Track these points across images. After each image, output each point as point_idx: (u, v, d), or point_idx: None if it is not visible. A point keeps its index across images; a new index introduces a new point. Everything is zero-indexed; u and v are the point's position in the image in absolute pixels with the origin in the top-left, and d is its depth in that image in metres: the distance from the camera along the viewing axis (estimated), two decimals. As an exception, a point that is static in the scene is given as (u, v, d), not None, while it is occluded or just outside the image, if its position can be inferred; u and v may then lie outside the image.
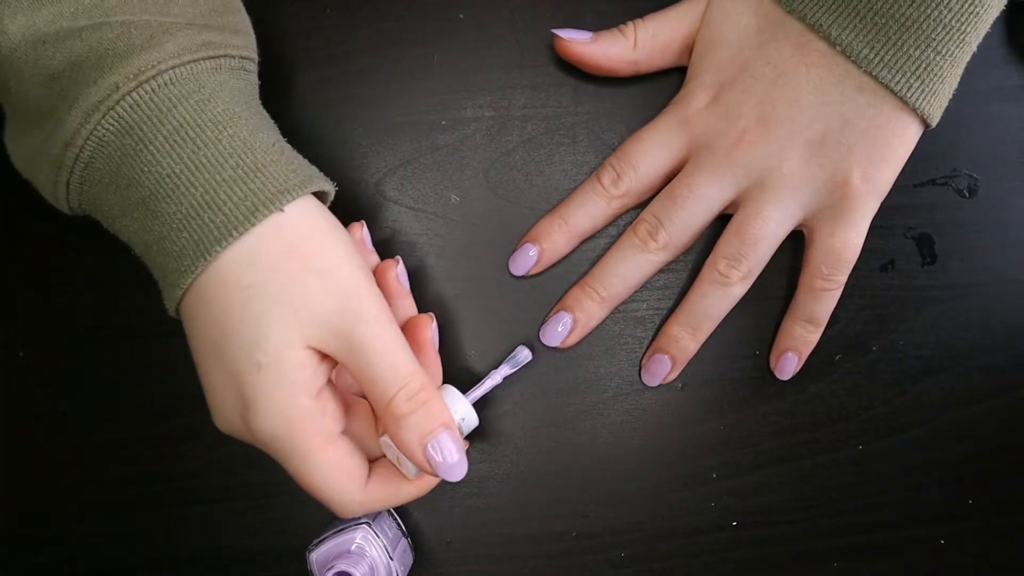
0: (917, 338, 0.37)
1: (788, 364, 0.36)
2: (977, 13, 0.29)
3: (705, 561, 0.38)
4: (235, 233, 0.25)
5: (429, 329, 0.31)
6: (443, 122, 0.36)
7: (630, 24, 0.34)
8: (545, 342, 0.36)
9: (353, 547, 0.33)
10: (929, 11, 0.29)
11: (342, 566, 0.32)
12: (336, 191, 0.29)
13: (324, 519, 0.37)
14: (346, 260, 0.27)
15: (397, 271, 0.32)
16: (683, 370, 0.37)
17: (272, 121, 0.29)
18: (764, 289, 0.36)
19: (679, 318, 0.35)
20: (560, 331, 0.35)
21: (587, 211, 0.35)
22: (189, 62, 0.27)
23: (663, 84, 0.36)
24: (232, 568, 0.37)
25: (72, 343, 0.36)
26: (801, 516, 0.38)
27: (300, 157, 0.28)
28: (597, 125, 0.36)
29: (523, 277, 0.36)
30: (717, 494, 0.38)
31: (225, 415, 0.27)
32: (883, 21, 0.29)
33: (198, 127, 0.26)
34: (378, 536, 0.34)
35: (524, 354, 0.34)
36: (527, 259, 0.35)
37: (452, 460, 0.27)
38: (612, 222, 0.36)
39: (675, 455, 0.37)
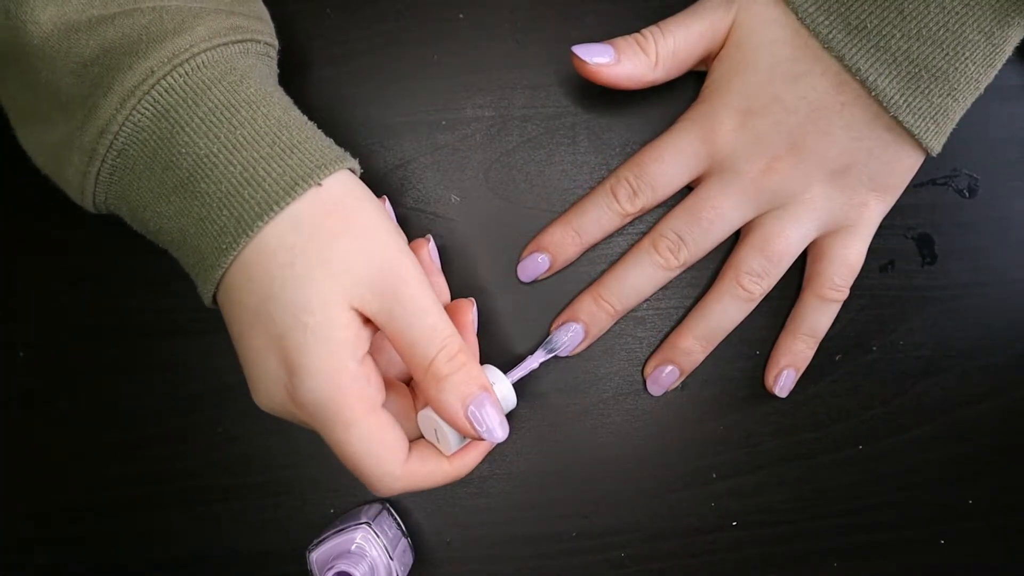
0: (917, 338, 0.37)
1: (788, 381, 0.36)
2: (995, 64, 0.31)
3: (705, 561, 0.38)
4: (276, 208, 0.26)
5: (470, 312, 0.31)
6: (443, 122, 0.36)
7: (649, 36, 0.33)
8: (558, 354, 0.36)
9: (353, 547, 0.33)
10: (959, 64, 0.30)
11: (342, 566, 0.32)
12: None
13: (324, 519, 0.37)
14: (383, 223, 0.27)
15: (429, 248, 0.32)
16: (683, 370, 0.37)
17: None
18: (773, 289, 0.36)
19: (694, 330, 0.35)
20: (569, 342, 0.35)
21: (600, 225, 0.35)
22: (220, 45, 0.27)
23: (664, 84, 0.36)
24: (232, 568, 0.37)
25: (72, 342, 0.36)
26: (801, 516, 0.38)
27: (327, 137, 0.29)
28: (597, 125, 0.36)
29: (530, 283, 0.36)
30: (717, 494, 0.38)
31: (267, 387, 0.27)
32: (916, 70, 0.30)
33: (233, 107, 0.26)
34: (378, 536, 0.34)
35: (561, 339, 0.35)
36: (537, 267, 0.35)
37: (494, 421, 0.27)
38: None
39: (675, 455, 0.37)
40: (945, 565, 0.38)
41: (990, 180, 0.37)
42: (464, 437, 0.29)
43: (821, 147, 0.32)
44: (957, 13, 0.29)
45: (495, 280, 0.36)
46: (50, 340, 0.36)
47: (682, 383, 0.37)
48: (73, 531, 0.37)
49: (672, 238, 0.34)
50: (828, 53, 0.31)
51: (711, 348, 0.36)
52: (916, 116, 0.31)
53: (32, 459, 0.37)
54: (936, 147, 0.32)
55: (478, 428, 0.27)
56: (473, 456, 0.30)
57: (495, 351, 0.37)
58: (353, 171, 0.29)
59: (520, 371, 0.32)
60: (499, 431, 0.27)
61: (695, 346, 0.35)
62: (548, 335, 0.35)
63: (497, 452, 0.37)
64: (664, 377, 0.36)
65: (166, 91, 0.26)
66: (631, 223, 0.36)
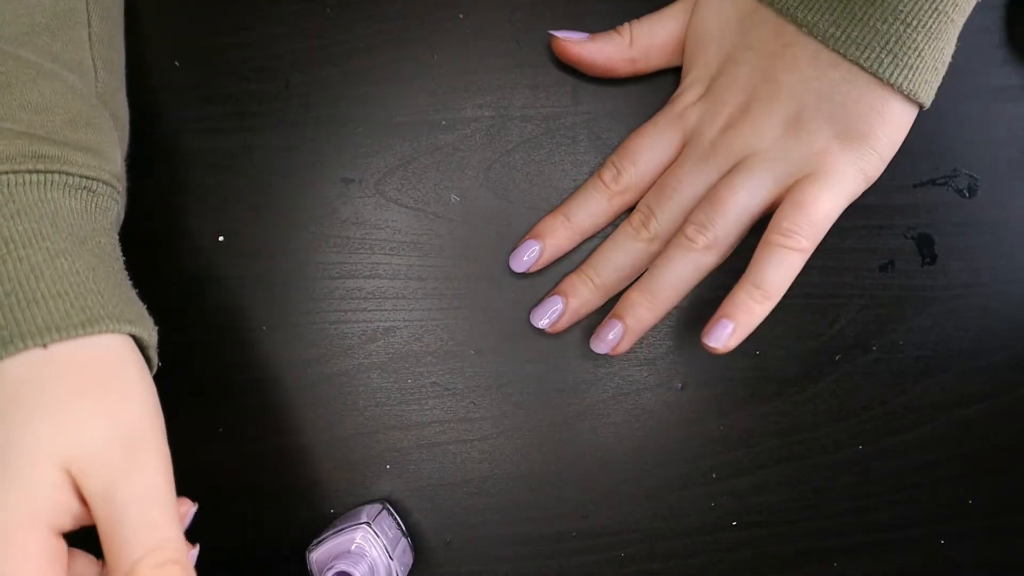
0: (917, 338, 0.37)
1: (721, 331, 0.32)
2: None
3: (705, 561, 0.38)
4: None
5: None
6: (443, 122, 0.36)
7: (625, 24, 0.35)
8: (535, 323, 0.36)
9: (353, 547, 0.33)
10: None
11: (342, 566, 0.32)
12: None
13: (324, 519, 0.37)
14: (146, 399, 0.25)
15: (189, 510, 0.28)
16: (683, 370, 0.37)
17: (109, 250, 0.27)
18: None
19: (639, 284, 0.34)
20: (551, 314, 0.35)
21: (588, 209, 0.35)
22: (7, 172, 0.25)
23: (662, 84, 0.36)
24: (232, 568, 0.37)
25: (72, 343, 0.36)
26: (801, 516, 0.38)
27: (118, 293, 0.26)
28: (597, 125, 0.36)
29: (523, 274, 0.36)
30: (717, 494, 0.38)
31: None
32: None
33: None
34: (378, 536, 0.34)
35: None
36: (529, 255, 0.35)
37: None
38: (613, 220, 0.36)
39: (675, 455, 0.37)
40: (945, 565, 0.38)
41: (990, 180, 0.37)
42: None
43: (769, 93, 0.32)
44: None
45: (495, 281, 0.36)
46: (50, 340, 0.36)
47: (682, 383, 0.37)
48: (73, 531, 0.37)
49: (643, 211, 0.34)
50: (764, 5, 0.31)
51: (658, 308, 0.34)
52: (858, 47, 0.29)
53: (32, 459, 0.37)
54: (905, 82, 0.29)
55: None
56: None
57: (494, 351, 0.37)
58: (139, 337, 0.26)
59: None
60: None
61: (640, 299, 0.34)
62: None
63: (497, 452, 0.37)
64: (604, 331, 0.35)
65: None
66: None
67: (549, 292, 0.36)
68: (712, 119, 0.33)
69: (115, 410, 0.24)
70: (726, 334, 0.32)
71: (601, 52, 0.34)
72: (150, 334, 0.26)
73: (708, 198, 0.33)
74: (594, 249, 0.36)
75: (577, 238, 0.35)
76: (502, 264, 0.36)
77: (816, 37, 0.30)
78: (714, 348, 0.32)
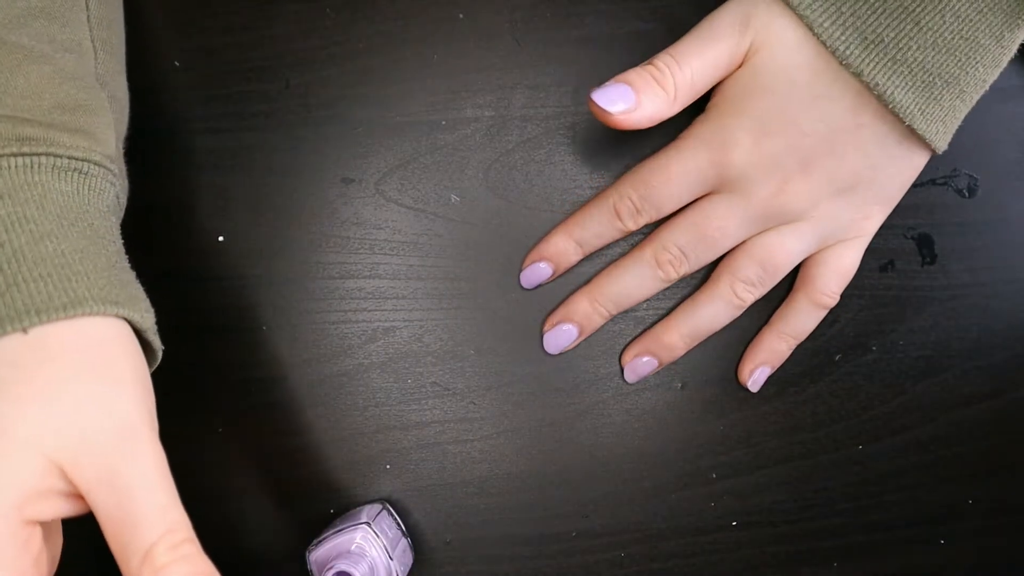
0: (917, 338, 0.37)
1: (762, 376, 0.36)
2: (1001, 64, 0.31)
3: (705, 561, 0.38)
4: None
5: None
6: (443, 122, 0.36)
7: (665, 69, 0.31)
8: (549, 351, 0.36)
9: (353, 547, 0.33)
10: (970, 68, 0.30)
11: (342, 566, 0.32)
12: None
13: (324, 519, 0.37)
14: (137, 382, 0.24)
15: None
16: (683, 370, 0.37)
17: (103, 232, 0.27)
18: (767, 292, 0.36)
19: (680, 328, 0.35)
20: (563, 342, 0.36)
21: (602, 238, 0.35)
22: None
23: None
24: (232, 568, 0.37)
25: (72, 343, 0.36)
26: (801, 516, 0.38)
27: (108, 275, 0.25)
28: (597, 125, 0.36)
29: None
30: (717, 494, 0.38)
31: None
32: (931, 79, 0.30)
33: None
34: (378, 536, 0.34)
35: None
36: (539, 275, 0.36)
37: None
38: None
39: (675, 455, 0.37)
40: (945, 565, 0.38)
41: (990, 180, 0.37)
42: None
43: (831, 168, 0.32)
44: (971, 20, 0.29)
45: (494, 280, 0.36)
46: (50, 340, 0.36)
47: (682, 383, 0.37)
48: (73, 531, 0.37)
49: (675, 252, 0.34)
50: (846, 71, 0.30)
51: (691, 346, 0.36)
52: (929, 121, 0.31)
53: (32, 459, 0.37)
54: (944, 146, 0.32)
55: None
56: None
57: (494, 352, 0.37)
58: (131, 320, 0.25)
59: None
60: None
61: (679, 343, 0.35)
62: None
63: (497, 452, 0.37)
64: (643, 368, 0.36)
65: None
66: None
67: (558, 314, 0.36)
68: (765, 180, 0.32)
69: (106, 395, 0.23)
70: (764, 378, 0.37)
71: (651, 120, 0.31)
72: (143, 316, 0.26)
73: (760, 259, 0.34)
74: (604, 269, 0.36)
75: (583, 257, 0.36)
76: (502, 264, 0.36)
77: (898, 113, 0.30)
78: (753, 390, 0.37)
